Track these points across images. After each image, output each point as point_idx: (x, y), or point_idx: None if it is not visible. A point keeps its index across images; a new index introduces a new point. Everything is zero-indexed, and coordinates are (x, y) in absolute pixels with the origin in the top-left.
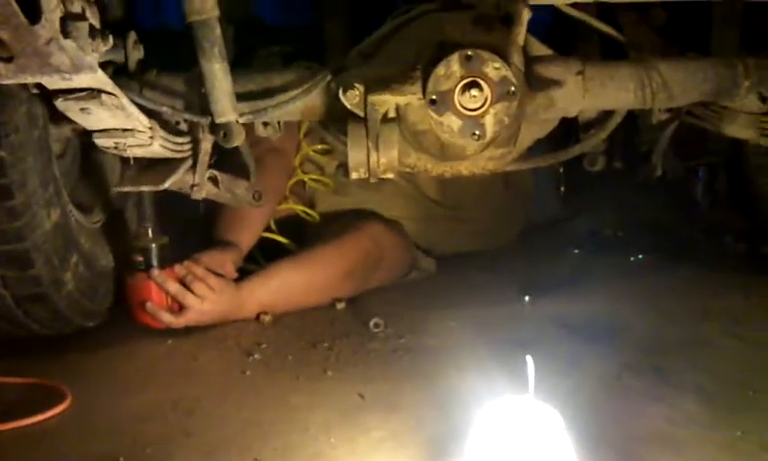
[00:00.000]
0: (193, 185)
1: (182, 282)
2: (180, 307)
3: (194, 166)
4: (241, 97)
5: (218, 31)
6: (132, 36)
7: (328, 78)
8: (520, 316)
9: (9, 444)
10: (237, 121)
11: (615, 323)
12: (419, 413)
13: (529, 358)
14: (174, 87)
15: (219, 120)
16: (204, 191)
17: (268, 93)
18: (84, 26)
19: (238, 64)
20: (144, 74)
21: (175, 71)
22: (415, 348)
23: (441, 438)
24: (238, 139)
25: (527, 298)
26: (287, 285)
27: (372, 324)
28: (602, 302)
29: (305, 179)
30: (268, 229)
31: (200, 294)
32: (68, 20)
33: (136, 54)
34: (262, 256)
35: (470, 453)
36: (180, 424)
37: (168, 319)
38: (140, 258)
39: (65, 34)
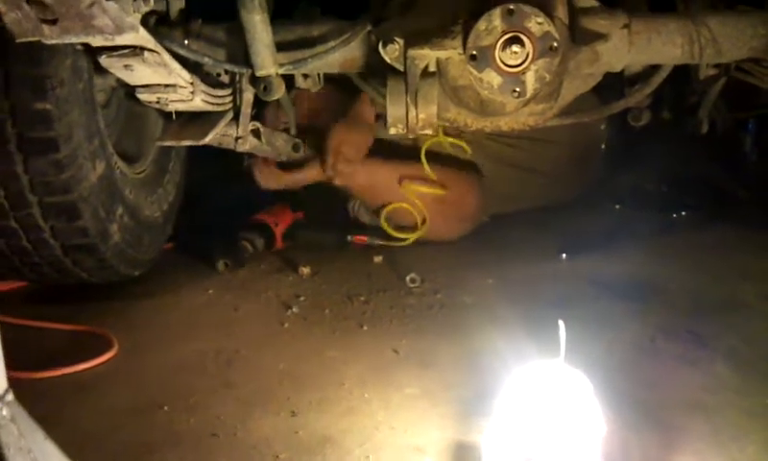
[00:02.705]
0: (237, 138)
1: None
2: None
3: (236, 118)
4: (281, 48)
5: None
6: None
7: (368, 29)
8: (556, 275)
9: (57, 390)
10: (277, 74)
11: (651, 283)
12: (451, 371)
13: (561, 323)
14: (215, 38)
15: (259, 73)
16: (248, 143)
17: (307, 45)
18: None
19: (278, 15)
20: (186, 24)
21: (215, 22)
22: (450, 304)
23: (472, 397)
24: (278, 92)
25: (564, 256)
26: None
27: (408, 279)
28: (639, 260)
29: (444, 140)
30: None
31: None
32: None
33: (178, 3)
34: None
35: (499, 416)
36: (221, 375)
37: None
38: None
39: None
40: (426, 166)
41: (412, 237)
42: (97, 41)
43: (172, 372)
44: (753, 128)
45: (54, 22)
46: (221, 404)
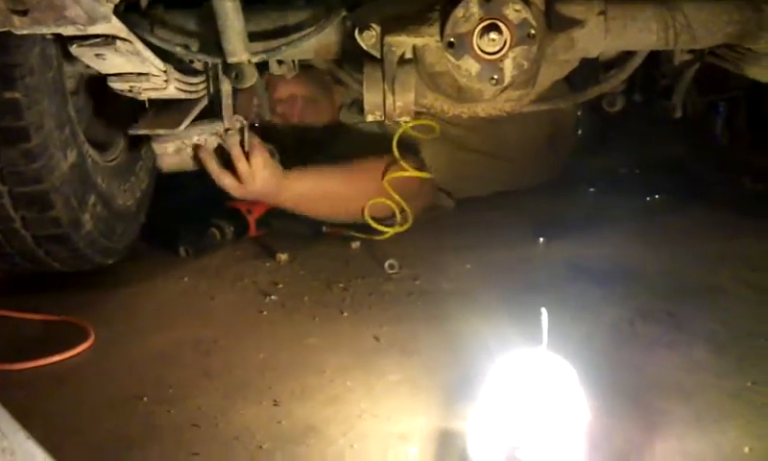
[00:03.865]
0: (227, 130)
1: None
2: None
3: (219, 111)
4: (255, 35)
5: None
6: None
7: (343, 14)
8: (534, 258)
9: (33, 382)
10: (250, 61)
11: (629, 266)
12: (433, 357)
13: (544, 310)
14: (187, 25)
15: (231, 60)
16: (237, 136)
17: (282, 31)
18: None
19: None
20: (157, 11)
21: (186, 8)
22: (429, 290)
23: (455, 384)
24: (251, 79)
25: (541, 240)
26: (322, 186)
27: (386, 265)
28: (616, 244)
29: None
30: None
31: (253, 165)
32: None
33: None
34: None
35: (484, 404)
36: (200, 365)
37: (228, 181)
38: None
39: None
40: (396, 152)
41: (391, 232)
42: (68, 31)
43: (150, 362)
44: (723, 111)
45: (24, 13)
46: (201, 395)
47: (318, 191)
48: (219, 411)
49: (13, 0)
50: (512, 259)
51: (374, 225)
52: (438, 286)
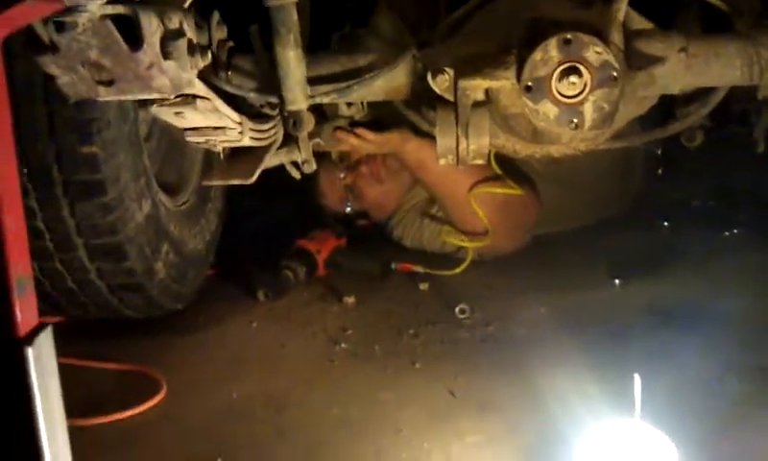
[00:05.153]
0: (304, 162)
1: None
2: None
3: (297, 144)
4: (325, 79)
5: (295, 17)
6: (216, 16)
7: (413, 54)
8: (611, 301)
9: (106, 438)
10: (308, 108)
11: (710, 310)
12: (511, 414)
13: (636, 377)
14: (250, 69)
15: (290, 108)
16: (314, 163)
17: (353, 74)
18: (182, 44)
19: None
20: (228, 57)
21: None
22: (503, 338)
23: (537, 445)
24: (308, 127)
25: (617, 281)
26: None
27: (457, 310)
28: (695, 285)
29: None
30: None
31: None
32: (168, 40)
33: (220, 34)
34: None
35: None
36: (272, 422)
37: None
38: None
39: (165, 55)
40: (495, 165)
41: (470, 246)
42: (152, 97)
43: (222, 418)
44: None
45: (110, 83)
46: (275, 456)
47: (434, 161)
48: None
49: (99, 70)
50: (587, 302)
51: (457, 242)
52: (512, 333)
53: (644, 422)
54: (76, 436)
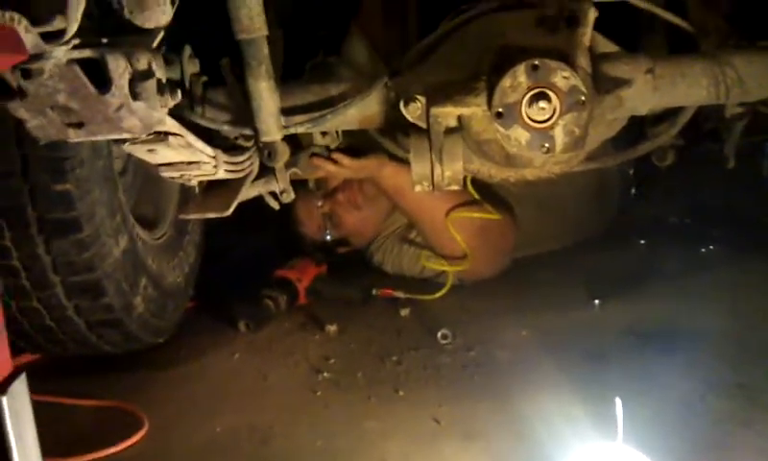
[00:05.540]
0: (282, 192)
1: None
2: None
3: (274, 174)
4: (298, 109)
5: (266, 50)
6: (188, 51)
7: (384, 82)
8: (592, 323)
9: None
10: (282, 139)
11: (690, 329)
12: (496, 442)
13: (618, 401)
14: (223, 102)
15: (264, 139)
16: (293, 193)
17: (327, 103)
18: (151, 84)
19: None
20: (199, 91)
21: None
22: (485, 362)
23: None
24: (282, 158)
25: (597, 302)
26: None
27: (439, 335)
28: (674, 303)
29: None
30: None
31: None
32: (137, 81)
33: (192, 68)
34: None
35: None
36: (257, 455)
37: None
38: None
39: (134, 96)
40: (472, 189)
41: (450, 270)
42: (123, 137)
43: (205, 452)
44: None
45: (80, 125)
46: None
47: (411, 186)
48: None
49: (68, 113)
50: (568, 325)
51: (436, 266)
52: (494, 357)
53: (627, 445)
54: None
